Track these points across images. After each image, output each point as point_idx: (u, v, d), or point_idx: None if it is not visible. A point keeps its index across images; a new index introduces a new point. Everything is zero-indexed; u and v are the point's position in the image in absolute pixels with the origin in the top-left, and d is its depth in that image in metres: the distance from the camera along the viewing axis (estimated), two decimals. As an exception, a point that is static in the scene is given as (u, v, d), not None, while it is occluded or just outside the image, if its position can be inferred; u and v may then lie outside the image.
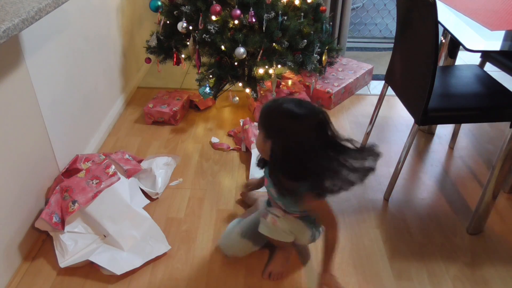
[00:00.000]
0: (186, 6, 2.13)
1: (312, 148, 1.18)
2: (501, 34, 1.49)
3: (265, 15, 2.05)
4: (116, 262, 1.45)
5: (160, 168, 1.86)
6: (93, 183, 1.55)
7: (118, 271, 1.42)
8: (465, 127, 2.33)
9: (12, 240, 1.44)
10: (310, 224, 1.42)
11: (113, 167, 1.62)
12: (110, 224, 1.53)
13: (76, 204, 1.48)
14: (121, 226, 1.55)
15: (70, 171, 1.68)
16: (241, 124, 2.15)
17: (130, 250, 1.51)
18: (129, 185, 1.68)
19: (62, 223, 1.49)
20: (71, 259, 1.46)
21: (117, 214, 1.55)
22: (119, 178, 1.61)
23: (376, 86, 2.76)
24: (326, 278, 1.36)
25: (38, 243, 1.57)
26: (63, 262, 1.45)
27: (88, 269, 1.48)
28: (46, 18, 1.61)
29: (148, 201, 1.75)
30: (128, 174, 1.69)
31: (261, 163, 1.40)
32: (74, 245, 1.49)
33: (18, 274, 1.46)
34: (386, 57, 3.16)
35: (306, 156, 1.18)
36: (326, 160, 1.21)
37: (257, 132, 1.68)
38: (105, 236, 1.54)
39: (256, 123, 2.08)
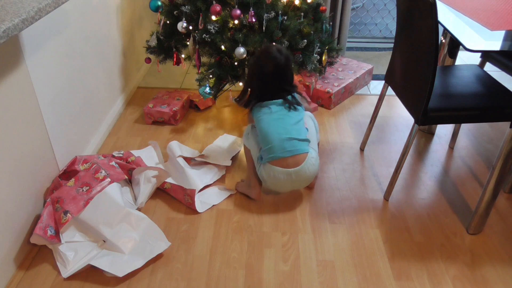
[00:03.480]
0: (186, 6, 2.13)
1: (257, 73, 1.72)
2: (501, 34, 1.49)
3: (265, 15, 2.05)
4: (117, 265, 1.45)
5: (148, 181, 1.76)
6: (83, 190, 1.53)
7: (120, 274, 1.41)
8: (465, 127, 2.33)
9: (13, 240, 1.44)
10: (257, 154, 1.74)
11: (102, 171, 1.60)
12: (106, 229, 1.52)
13: (68, 215, 1.47)
14: (118, 229, 1.54)
15: (69, 173, 1.68)
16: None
17: (130, 252, 1.50)
18: (120, 188, 1.65)
19: (58, 235, 1.48)
20: (73, 268, 1.45)
21: (113, 218, 1.54)
22: (110, 182, 1.59)
23: (376, 86, 2.76)
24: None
25: (38, 245, 1.56)
26: (66, 273, 1.44)
27: (87, 271, 1.48)
28: (46, 18, 1.61)
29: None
30: (111, 180, 1.63)
31: None
32: (74, 254, 1.48)
33: (17, 276, 1.46)
34: (386, 57, 3.17)
35: (253, 75, 1.75)
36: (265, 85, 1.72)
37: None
38: (104, 242, 1.54)
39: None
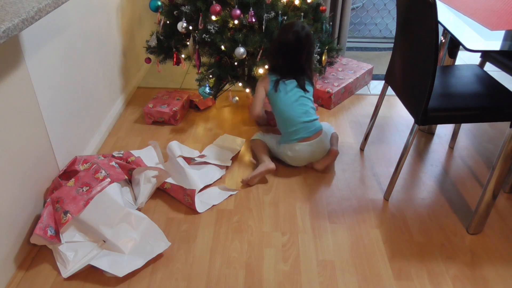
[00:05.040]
0: (186, 6, 2.13)
1: (278, 45, 1.89)
2: (501, 34, 1.49)
3: (265, 15, 2.05)
4: (117, 265, 1.44)
5: (148, 181, 1.76)
6: (83, 190, 1.53)
7: (120, 274, 1.41)
8: (465, 127, 2.33)
9: (13, 240, 1.44)
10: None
11: (102, 171, 1.60)
12: (106, 229, 1.51)
13: (68, 215, 1.47)
14: (118, 230, 1.53)
15: (69, 173, 1.68)
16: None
17: (130, 252, 1.50)
18: (120, 188, 1.65)
19: (58, 235, 1.48)
20: (73, 268, 1.45)
21: (113, 218, 1.53)
22: (110, 182, 1.58)
23: (376, 86, 2.76)
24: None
25: (38, 245, 1.56)
26: (66, 273, 1.44)
27: (87, 271, 1.48)
28: (46, 18, 1.61)
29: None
30: (111, 180, 1.63)
31: None
32: (74, 254, 1.48)
33: (17, 276, 1.46)
34: (386, 57, 3.17)
35: (274, 46, 1.93)
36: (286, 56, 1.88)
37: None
38: (104, 242, 1.54)
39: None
